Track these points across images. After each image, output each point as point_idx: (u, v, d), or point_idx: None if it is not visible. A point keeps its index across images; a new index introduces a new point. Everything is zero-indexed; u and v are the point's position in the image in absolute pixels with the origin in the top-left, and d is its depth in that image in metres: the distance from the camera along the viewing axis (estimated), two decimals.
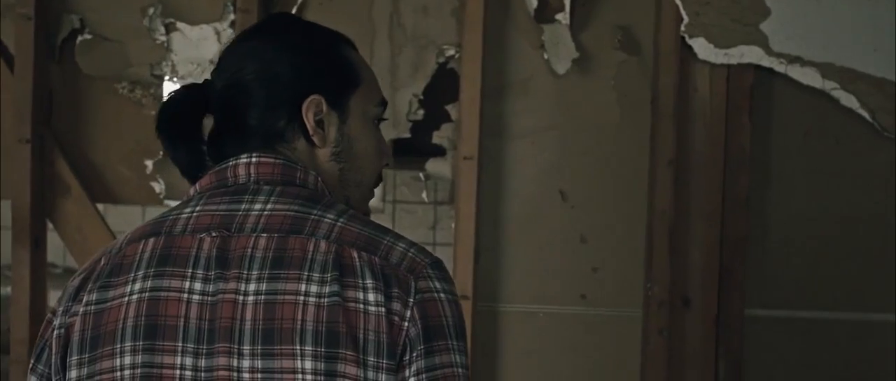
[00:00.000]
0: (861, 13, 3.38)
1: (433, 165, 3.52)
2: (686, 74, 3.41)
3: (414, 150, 3.60)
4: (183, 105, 1.72)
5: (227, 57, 1.75)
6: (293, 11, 3.38)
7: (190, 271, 1.59)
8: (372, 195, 1.83)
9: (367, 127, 1.77)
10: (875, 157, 3.45)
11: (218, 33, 3.41)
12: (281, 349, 1.54)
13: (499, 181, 3.45)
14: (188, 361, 1.57)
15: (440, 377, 1.56)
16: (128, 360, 1.59)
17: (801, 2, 3.38)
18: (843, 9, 3.38)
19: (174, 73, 3.43)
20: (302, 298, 1.55)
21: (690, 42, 3.38)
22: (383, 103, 1.81)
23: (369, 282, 1.56)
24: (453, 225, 3.42)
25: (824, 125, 3.45)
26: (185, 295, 1.58)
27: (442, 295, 1.59)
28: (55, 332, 1.66)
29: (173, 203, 3.51)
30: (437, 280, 1.60)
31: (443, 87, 3.48)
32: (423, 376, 1.55)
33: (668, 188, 3.39)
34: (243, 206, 1.63)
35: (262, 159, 1.67)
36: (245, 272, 1.57)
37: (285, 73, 1.70)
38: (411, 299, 1.57)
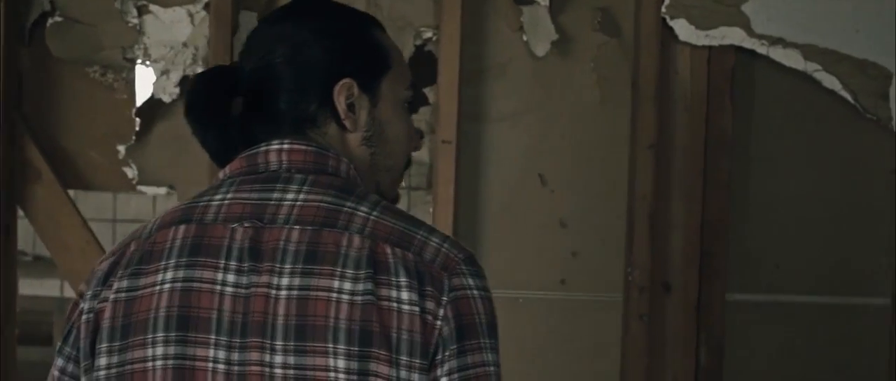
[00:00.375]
0: None
1: None
2: (667, 57, 3.38)
3: None
4: (212, 88, 1.71)
5: (256, 40, 1.75)
6: None
7: (223, 262, 1.59)
8: (401, 180, 1.83)
9: (398, 111, 1.77)
10: (857, 139, 3.43)
11: (191, 16, 3.36)
12: (313, 346, 1.53)
13: (477, 166, 3.42)
14: (221, 354, 1.56)
15: (472, 377, 1.57)
16: (160, 351, 1.58)
17: None
18: None
19: (147, 56, 3.37)
20: (335, 295, 1.54)
21: (671, 23, 3.35)
22: (413, 86, 1.81)
23: (403, 280, 1.55)
24: (431, 210, 3.39)
25: (806, 107, 3.43)
26: (219, 287, 1.58)
27: (475, 292, 1.60)
28: (83, 316, 1.65)
29: (146, 189, 3.50)
30: (470, 277, 1.60)
31: (420, 70, 3.44)
32: (456, 375, 1.56)
33: (649, 172, 3.36)
34: (275, 195, 1.62)
35: (294, 146, 1.67)
36: (278, 266, 1.57)
37: (316, 56, 1.70)
38: (445, 298, 1.57)
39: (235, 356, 1.56)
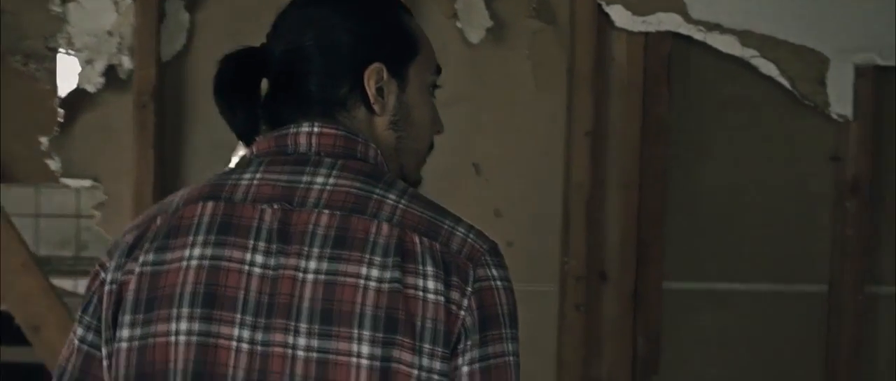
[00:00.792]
0: None
1: None
2: (603, 43, 3.35)
3: None
4: (242, 70, 1.72)
5: (285, 23, 1.76)
6: None
7: (251, 242, 1.61)
8: (424, 163, 1.86)
9: (424, 95, 1.80)
10: (794, 125, 3.42)
11: (116, 4, 3.29)
12: (338, 330, 1.55)
13: None
14: (245, 333, 1.58)
15: (493, 367, 1.59)
16: (184, 326, 1.59)
17: None
18: None
19: (71, 45, 3.31)
20: (362, 281, 1.56)
21: (607, 9, 3.32)
22: (439, 71, 1.84)
23: (430, 269, 1.57)
24: None
25: (743, 94, 3.42)
26: (246, 267, 1.60)
27: (498, 283, 1.62)
28: (106, 287, 1.66)
29: (71, 182, 3.42)
30: (494, 267, 1.62)
31: None
32: (477, 365, 1.58)
33: (585, 160, 3.33)
34: (305, 178, 1.65)
35: (324, 130, 1.69)
36: (306, 249, 1.59)
37: (346, 41, 1.72)
38: (469, 288, 1.59)
39: (259, 337, 1.57)
